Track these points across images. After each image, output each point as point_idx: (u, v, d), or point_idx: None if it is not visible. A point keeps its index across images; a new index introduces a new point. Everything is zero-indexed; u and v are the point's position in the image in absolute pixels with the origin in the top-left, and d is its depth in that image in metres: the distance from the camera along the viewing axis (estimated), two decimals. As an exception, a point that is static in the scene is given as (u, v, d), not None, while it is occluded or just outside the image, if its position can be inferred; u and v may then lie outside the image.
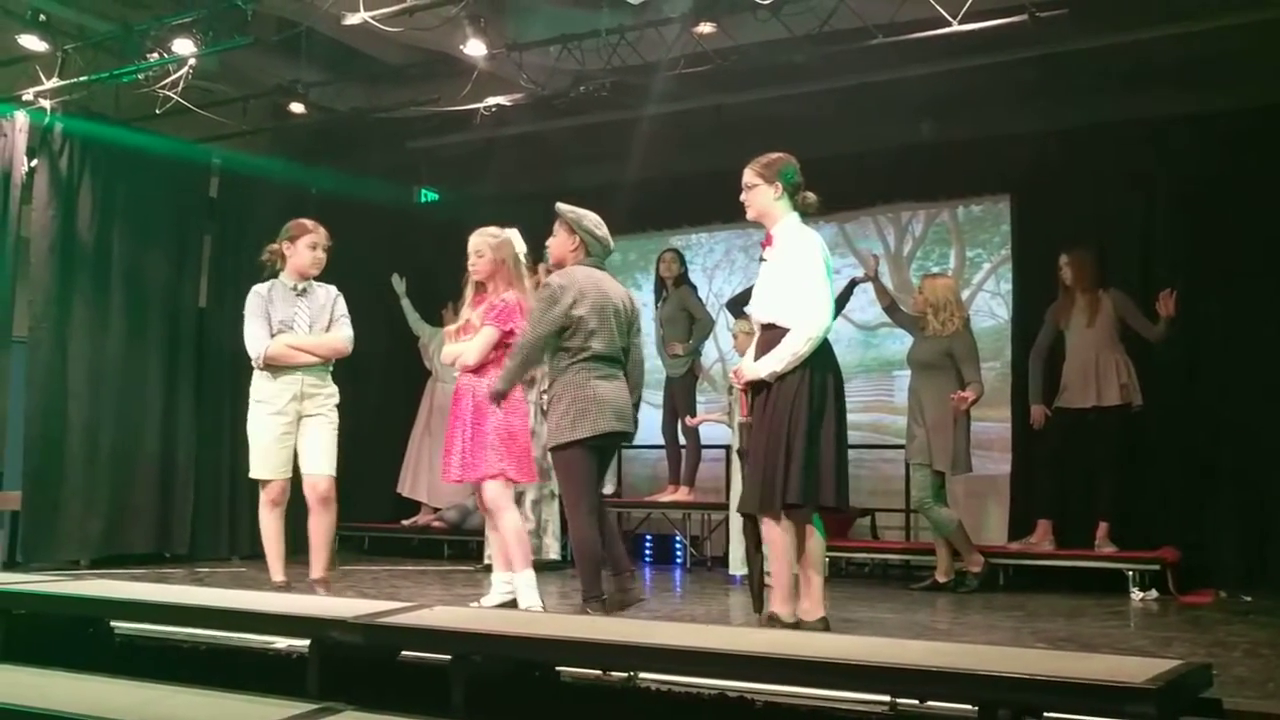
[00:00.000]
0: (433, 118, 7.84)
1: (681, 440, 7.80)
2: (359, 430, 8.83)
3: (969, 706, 2.67)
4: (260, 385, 5.06)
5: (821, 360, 4.27)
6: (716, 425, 7.33)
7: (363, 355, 8.53)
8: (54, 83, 6.80)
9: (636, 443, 8.72)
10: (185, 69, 6.68)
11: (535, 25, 6.95)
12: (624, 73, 6.76)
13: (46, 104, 6.95)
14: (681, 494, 7.72)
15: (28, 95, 6.90)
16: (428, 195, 10.24)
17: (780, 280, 4.31)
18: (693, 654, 2.94)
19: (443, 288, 8.46)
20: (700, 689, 3.21)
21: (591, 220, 4.78)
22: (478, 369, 4.95)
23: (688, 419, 7.45)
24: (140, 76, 6.81)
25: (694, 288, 8.04)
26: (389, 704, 3.09)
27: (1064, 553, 6.43)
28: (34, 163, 7.02)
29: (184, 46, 6.58)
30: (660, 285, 8.02)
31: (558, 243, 4.78)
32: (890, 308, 6.73)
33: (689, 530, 7.81)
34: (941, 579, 6.22)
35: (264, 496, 5.08)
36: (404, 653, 3.54)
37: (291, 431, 5.06)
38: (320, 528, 5.10)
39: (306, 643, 3.47)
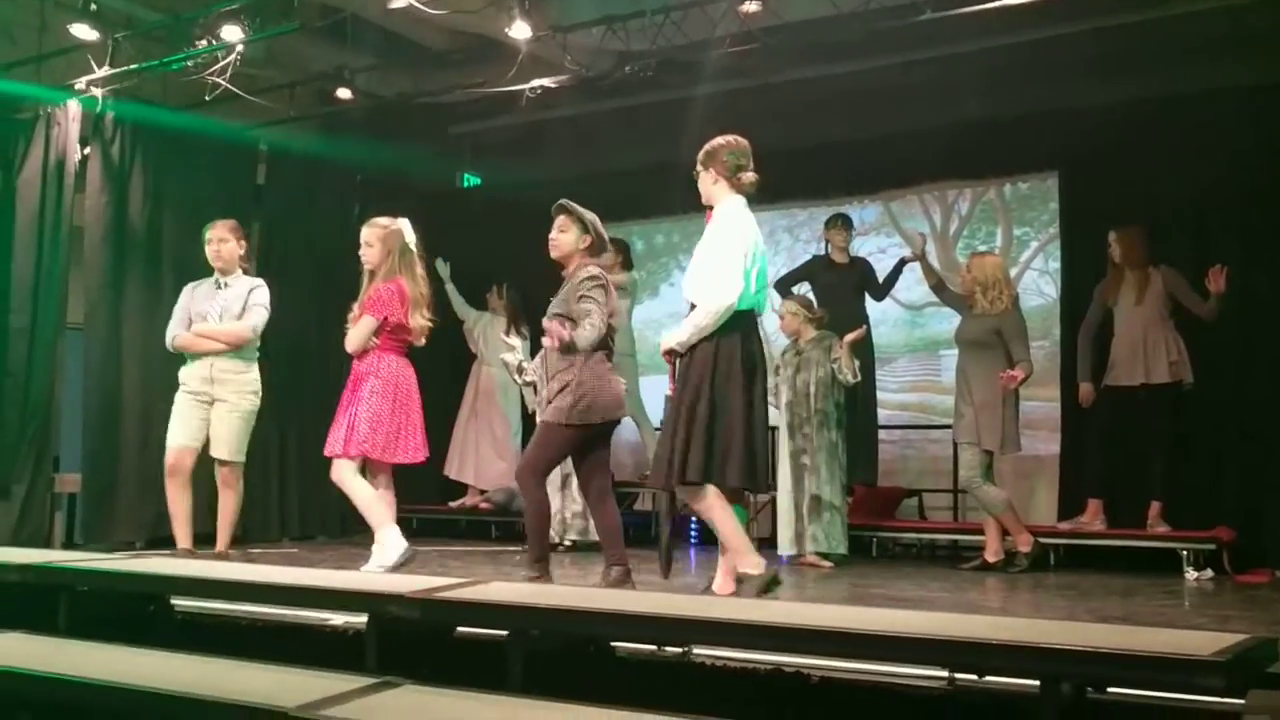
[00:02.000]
0: (476, 102, 7.88)
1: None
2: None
3: (1029, 681, 2.66)
4: (181, 370, 5.71)
5: (731, 336, 4.32)
6: (762, 406, 7.30)
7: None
8: (105, 71, 6.89)
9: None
10: (233, 56, 6.74)
11: (580, 6, 6.95)
12: (669, 53, 6.75)
13: (98, 92, 7.04)
14: (727, 475, 7.69)
15: (80, 84, 7.00)
16: (471, 180, 10.28)
17: (698, 258, 4.44)
18: (749, 627, 2.94)
19: (487, 272, 8.51)
20: (755, 664, 3.21)
21: (595, 218, 4.89)
22: (360, 354, 5.17)
23: (733, 400, 7.42)
24: (189, 64, 6.88)
25: (738, 268, 8.00)
26: (446, 678, 3.12)
27: (1116, 532, 6.36)
28: (87, 150, 7.11)
29: (231, 33, 6.65)
30: (704, 266, 7.99)
31: (568, 239, 4.84)
32: (938, 286, 6.69)
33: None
34: (991, 559, 6.18)
35: (169, 467, 5.64)
36: (458, 629, 3.57)
37: (204, 410, 5.62)
38: (224, 507, 5.70)
39: (363, 619, 3.51)
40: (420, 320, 5.25)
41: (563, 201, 4.90)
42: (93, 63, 6.91)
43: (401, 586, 3.47)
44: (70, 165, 7.01)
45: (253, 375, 5.72)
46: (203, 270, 7.58)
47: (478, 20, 6.76)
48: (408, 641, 3.41)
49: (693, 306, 4.43)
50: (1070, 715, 2.52)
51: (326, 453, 5.20)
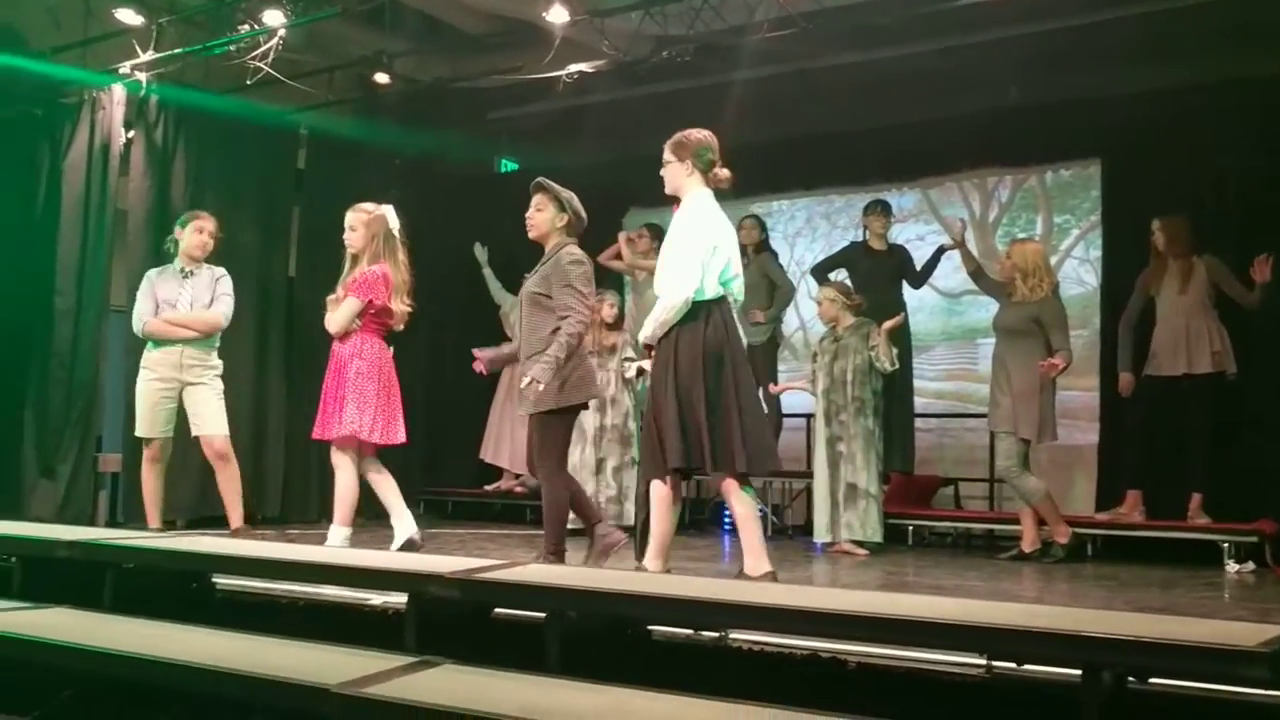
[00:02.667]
0: (513, 87, 7.88)
1: (762, 408, 7.77)
2: (442, 398, 9.06)
3: (1070, 670, 2.64)
4: (146, 354, 5.79)
5: (692, 326, 4.39)
6: (797, 394, 7.28)
7: (444, 324, 8.70)
8: (149, 55, 6.96)
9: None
10: (274, 40, 6.79)
11: (618, -10, 6.94)
12: (707, 37, 6.72)
13: (142, 76, 7.11)
14: (762, 462, 7.69)
15: (124, 68, 7.08)
16: (508, 165, 10.30)
17: (664, 251, 4.53)
18: (786, 612, 2.95)
19: (523, 257, 8.49)
20: (792, 649, 3.21)
21: (572, 195, 4.95)
22: (342, 336, 5.28)
23: (770, 386, 7.41)
24: (231, 48, 6.94)
25: (775, 255, 7.98)
26: (484, 659, 3.14)
27: (1155, 524, 6.29)
28: (131, 134, 7.20)
29: (273, 18, 6.70)
30: (741, 252, 7.96)
31: (545, 217, 4.92)
32: (976, 273, 6.64)
33: (770, 499, 7.79)
34: (1027, 549, 6.14)
35: (145, 454, 5.80)
36: (496, 610, 3.60)
37: (172, 397, 5.74)
38: (227, 484, 5.78)
39: (401, 599, 3.54)
40: (401, 306, 5.35)
41: (539, 179, 4.99)
42: (137, 47, 6.98)
43: (441, 567, 3.50)
44: (115, 149, 7.10)
45: (217, 360, 5.89)
46: (245, 254, 7.72)
47: (515, 5, 6.77)
48: (446, 622, 3.44)
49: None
50: (1111, 705, 2.50)
51: (317, 436, 5.34)
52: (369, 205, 5.44)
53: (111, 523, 7.00)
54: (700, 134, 4.58)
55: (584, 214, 5.00)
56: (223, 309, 5.86)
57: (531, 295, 4.87)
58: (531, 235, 5.00)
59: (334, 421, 5.22)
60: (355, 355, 5.26)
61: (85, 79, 7.21)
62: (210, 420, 5.75)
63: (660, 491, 4.48)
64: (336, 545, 5.19)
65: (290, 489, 7.88)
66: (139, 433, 5.81)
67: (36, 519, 6.59)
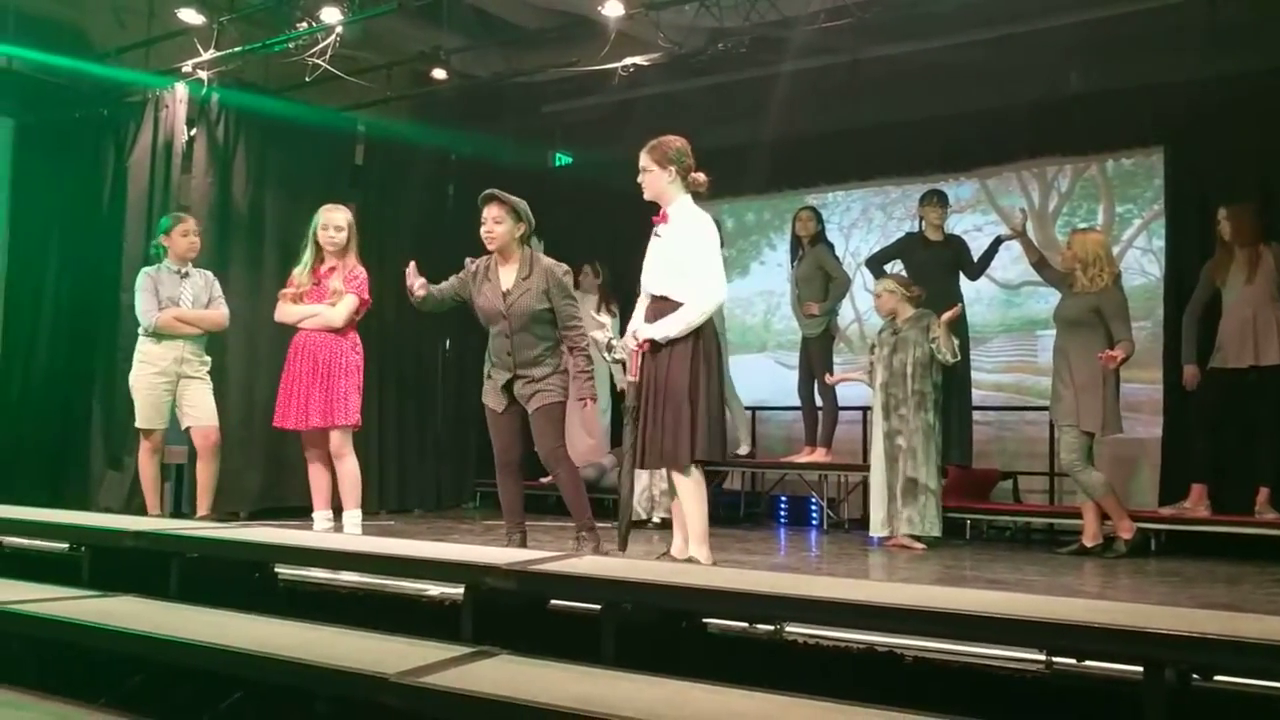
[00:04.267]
0: (568, 81, 7.91)
1: (818, 401, 7.74)
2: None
3: (1131, 667, 2.60)
4: (146, 348, 6.01)
5: (708, 329, 4.62)
6: (853, 385, 7.24)
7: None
8: (210, 54, 7.08)
9: (773, 403, 8.82)
10: (332, 37, 6.87)
11: (673, -17, 6.92)
12: (762, 28, 6.69)
13: (204, 75, 7.24)
14: (818, 455, 7.67)
15: (186, 67, 7.20)
16: (563, 159, 10.34)
17: (675, 257, 4.62)
18: (843, 606, 2.93)
19: (578, 250, 8.54)
20: (848, 643, 3.20)
21: (523, 202, 5.13)
22: (341, 330, 5.70)
23: (826, 378, 7.38)
24: (290, 46, 7.04)
25: (831, 246, 7.92)
26: (540, 650, 3.16)
27: (1221, 518, 6.18)
28: (193, 132, 7.32)
29: (331, 15, 6.78)
30: (796, 244, 7.94)
31: (505, 229, 5.06)
32: (1039, 264, 6.54)
33: (825, 492, 7.76)
34: (1089, 543, 6.05)
35: (146, 444, 6.03)
36: (552, 601, 3.62)
37: (171, 389, 6.00)
38: (206, 473, 6.06)
39: (458, 590, 3.58)
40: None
41: (491, 191, 5.10)
42: (199, 46, 7.10)
43: (498, 558, 3.53)
44: (177, 146, 7.22)
45: (208, 356, 6.20)
46: (297, 250, 7.82)
47: (570, -1, 6.80)
48: (503, 612, 3.47)
49: (655, 298, 4.68)
50: (1175, 703, 2.46)
51: (326, 423, 5.65)
52: (340, 206, 5.88)
53: (176, 513, 7.13)
54: (677, 140, 4.72)
55: (533, 219, 5.17)
56: (225, 310, 6.25)
57: (532, 314, 5.01)
58: (491, 247, 5.11)
59: (339, 410, 5.64)
60: (353, 348, 5.77)
61: (148, 81, 7.35)
62: (205, 413, 6.06)
63: (687, 484, 4.60)
64: (356, 529, 5.65)
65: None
66: (140, 424, 6.03)
67: (105, 509, 6.75)
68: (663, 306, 4.62)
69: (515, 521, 5.25)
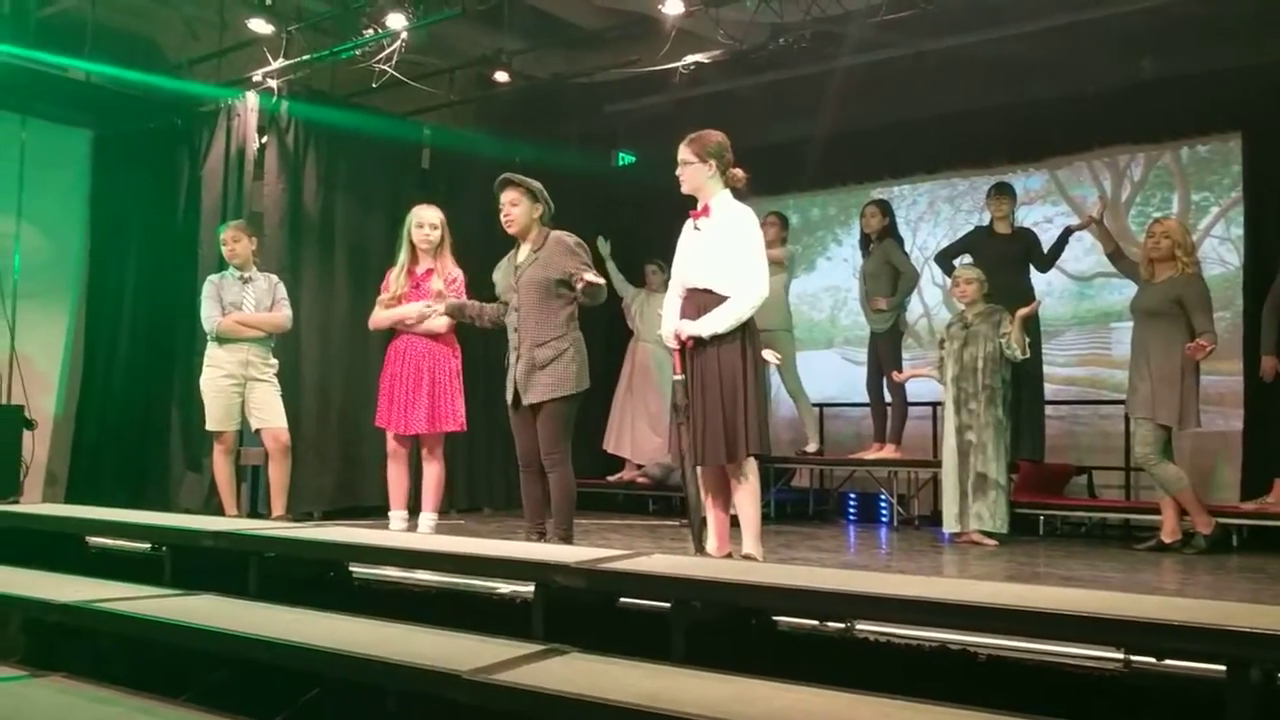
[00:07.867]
0: (629, 81, 7.92)
1: (887, 397, 7.66)
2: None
3: (1214, 666, 2.55)
4: (212, 353, 6.18)
5: (751, 322, 4.58)
6: (923, 381, 7.16)
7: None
8: (279, 63, 7.21)
9: (841, 400, 8.75)
10: (398, 43, 6.97)
11: (733, -21, 6.91)
12: (823, 23, 6.64)
13: (274, 84, 7.37)
14: (887, 451, 7.59)
15: (256, 76, 7.35)
16: (626, 158, 10.36)
17: (719, 251, 4.55)
18: (914, 603, 2.90)
19: (642, 249, 8.57)
20: (920, 641, 3.17)
21: (539, 185, 5.06)
22: (441, 335, 5.69)
23: (895, 374, 7.31)
24: (356, 53, 7.15)
25: (900, 241, 7.82)
26: (609, 647, 3.18)
27: (1305, 513, 6.02)
28: (264, 140, 7.47)
29: (396, 21, 6.87)
30: (864, 239, 7.86)
31: (523, 211, 5.03)
32: (1114, 254, 6.40)
33: (895, 489, 7.69)
34: (1167, 539, 5.92)
35: (219, 446, 6.19)
36: (621, 599, 3.64)
37: (240, 391, 6.14)
38: (279, 474, 6.17)
39: (530, 588, 3.61)
40: None
41: (507, 175, 5.07)
42: (268, 55, 7.24)
43: (568, 557, 3.55)
44: (249, 154, 7.37)
45: (275, 359, 6.32)
46: (374, 253, 7.95)
47: (630, -2, 6.81)
48: (573, 610, 3.49)
49: (696, 291, 4.57)
50: (1260, 703, 2.40)
51: (434, 429, 5.67)
52: (435, 208, 5.83)
53: (253, 514, 7.28)
54: (718, 135, 4.67)
55: (551, 202, 5.12)
56: (287, 312, 6.36)
57: (540, 283, 4.94)
58: (511, 230, 5.09)
59: (447, 416, 5.67)
60: (454, 353, 5.76)
61: (220, 92, 7.51)
62: (275, 414, 6.18)
63: (754, 472, 4.58)
64: (430, 530, 5.73)
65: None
66: (211, 427, 6.16)
67: (185, 510, 6.91)
68: (705, 300, 4.53)
69: (534, 524, 5.15)
